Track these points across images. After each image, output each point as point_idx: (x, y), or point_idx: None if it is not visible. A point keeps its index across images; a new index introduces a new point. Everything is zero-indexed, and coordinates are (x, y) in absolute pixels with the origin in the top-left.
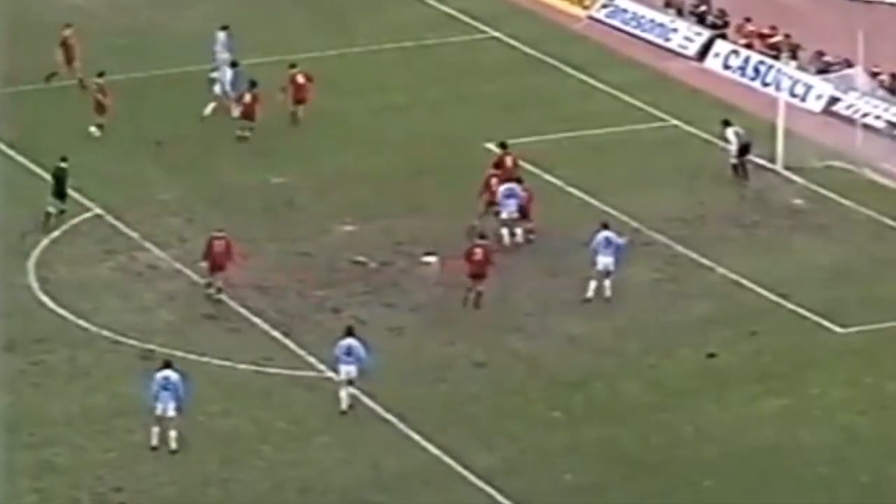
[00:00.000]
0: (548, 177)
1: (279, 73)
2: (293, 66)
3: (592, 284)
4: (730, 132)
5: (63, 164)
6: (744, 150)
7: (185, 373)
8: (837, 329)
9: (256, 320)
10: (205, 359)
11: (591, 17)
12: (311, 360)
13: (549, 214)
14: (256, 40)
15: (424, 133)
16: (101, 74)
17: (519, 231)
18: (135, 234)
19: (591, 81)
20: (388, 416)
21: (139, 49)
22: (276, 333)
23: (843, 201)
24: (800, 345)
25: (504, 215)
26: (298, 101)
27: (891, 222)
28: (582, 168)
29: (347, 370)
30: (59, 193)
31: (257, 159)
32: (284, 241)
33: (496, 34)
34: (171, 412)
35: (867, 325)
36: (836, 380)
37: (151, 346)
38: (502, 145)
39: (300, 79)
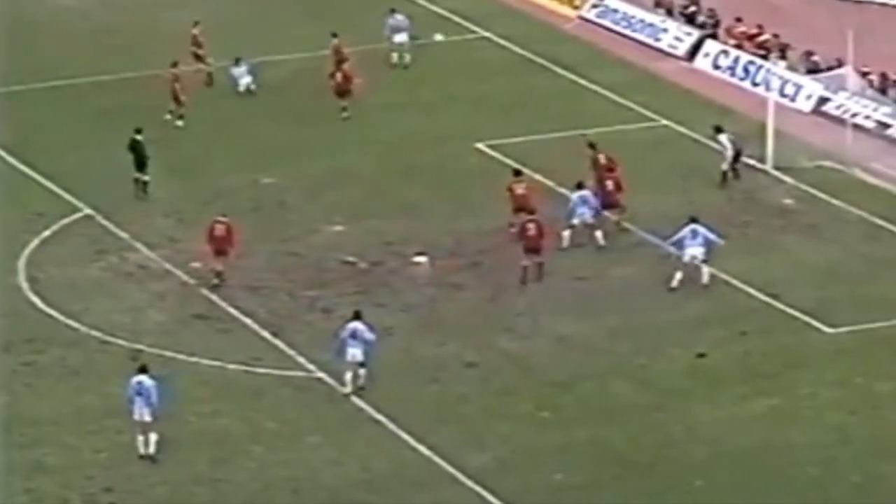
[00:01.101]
0: (539, 177)
1: (274, 71)
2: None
3: (678, 275)
4: (724, 138)
5: (138, 136)
6: (736, 156)
7: (162, 377)
8: (827, 329)
9: (247, 320)
10: (194, 359)
11: (581, 18)
12: (302, 360)
13: (539, 215)
14: (249, 40)
15: (415, 133)
16: (174, 65)
17: (599, 234)
18: (125, 235)
19: (582, 81)
20: (379, 417)
21: (131, 49)
22: (266, 333)
23: (833, 201)
24: (790, 345)
25: (575, 221)
26: (342, 93)
27: (881, 222)
28: (571, 168)
29: (353, 353)
30: (139, 164)
31: (248, 159)
32: (275, 242)
33: (487, 34)
34: (147, 417)
35: (857, 325)
36: (826, 380)
37: (141, 347)
38: (517, 173)
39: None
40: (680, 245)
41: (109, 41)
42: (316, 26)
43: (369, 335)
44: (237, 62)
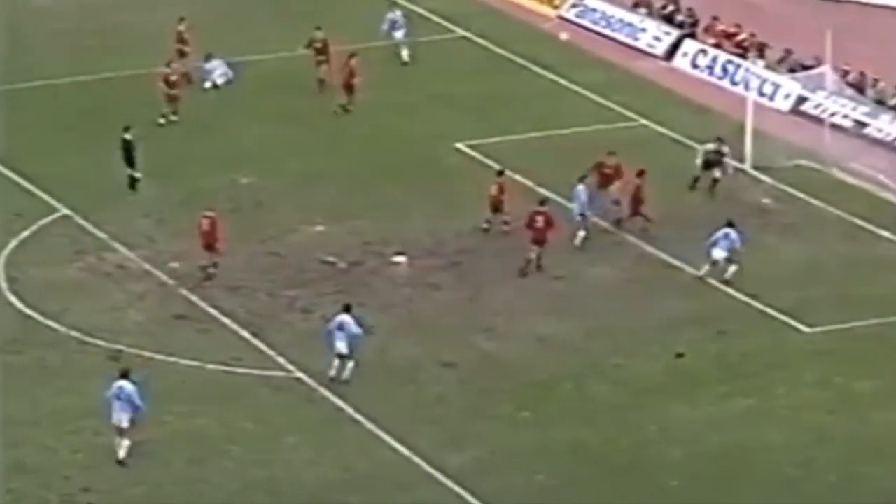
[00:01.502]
0: (518, 177)
1: (252, 71)
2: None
3: (705, 268)
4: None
5: (127, 136)
6: (708, 165)
7: (141, 382)
8: (806, 329)
9: (226, 320)
10: (173, 359)
11: (560, 17)
12: (281, 360)
13: (518, 214)
14: (224, 41)
15: (394, 133)
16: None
17: (732, 268)
18: (104, 235)
19: (561, 81)
20: (358, 417)
21: (108, 49)
22: (245, 333)
23: (812, 201)
24: (768, 344)
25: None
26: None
27: (859, 222)
28: (551, 168)
29: (338, 346)
30: (129, 161)
31: (226, 159)
32: (254, 242)
33: (466, 34)
34: (125, 423)
35: (835, 325)
36: (804, 380)
37: (120, 347)
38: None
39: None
40: (712, 245)
41: (87, 42)
42: (292, 25)
43: (355, 329)
44: (208, 58)
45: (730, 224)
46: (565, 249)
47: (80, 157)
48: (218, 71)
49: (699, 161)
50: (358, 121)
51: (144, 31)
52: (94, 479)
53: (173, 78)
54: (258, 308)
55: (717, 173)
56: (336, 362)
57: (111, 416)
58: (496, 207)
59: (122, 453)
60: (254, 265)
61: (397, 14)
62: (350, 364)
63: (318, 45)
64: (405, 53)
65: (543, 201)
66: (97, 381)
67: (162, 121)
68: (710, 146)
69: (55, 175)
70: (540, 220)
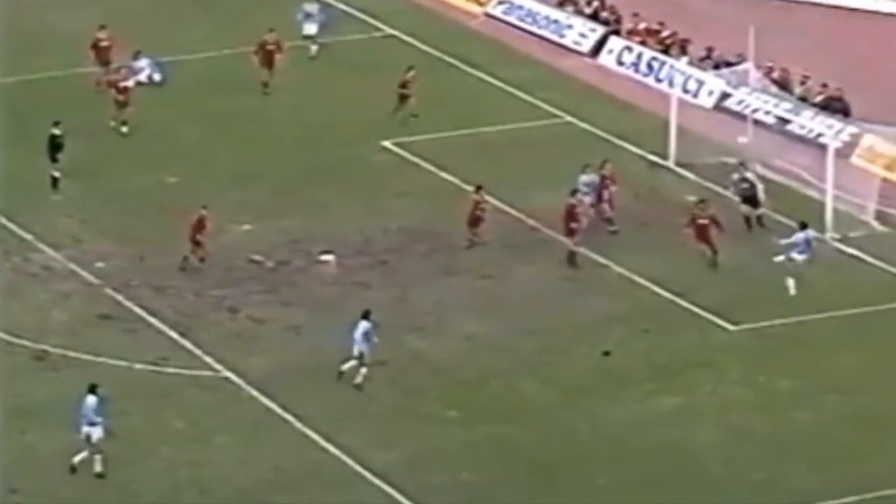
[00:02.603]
0: (444, 175)
1: (178, 71)
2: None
3: (791, 281)
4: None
5: (56, 131)
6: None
7: (105, 397)
8: (731, 327)
9: (153, 320)
10: (101, 359)
11: (487, 14)
12: (209, 359)
13: (445, 212)
14: (152, 40)
15: (321, 132)
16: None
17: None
18: (29, 236)
19: (488, 79)
20: (288, 416)
21: (33, 50)
22: (173, 333)
23: (735, 197)
24: (693, 343)
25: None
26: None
27: (781, 218)
28: (479, 166)
29: (362, 350)
30: (53, 158)
31: (153, 159)
32: (181, 242)
33: (393, 32)
34: (96, 436)
35: (759, 323)
36: (729, 378)
37: (45, 347)
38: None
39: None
40: (792, 248)
41: (11, 43)
42: (219, 25)
43: (373, 338)
44: (136, 55)
45: (804, 226)
46: (493, 248)
47: (4, 158)
48: (146, 70)
49: (736, 196)
50: (284, 119)
51: (71, 32)
52: (23, 479)
53: (123, 84)
54: (185, 308)
55: (759, 209)
56: (352, 362)
57: (81, 430)
58: (474, 222)
59: (98, 466)
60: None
61: (314, 7)
62: (364, 371)
63: (271, 47)
64: (314, 48)
65: (575, 191)
66: (24, 382)
67: (124, 129)
68: (735, 176)
69: None
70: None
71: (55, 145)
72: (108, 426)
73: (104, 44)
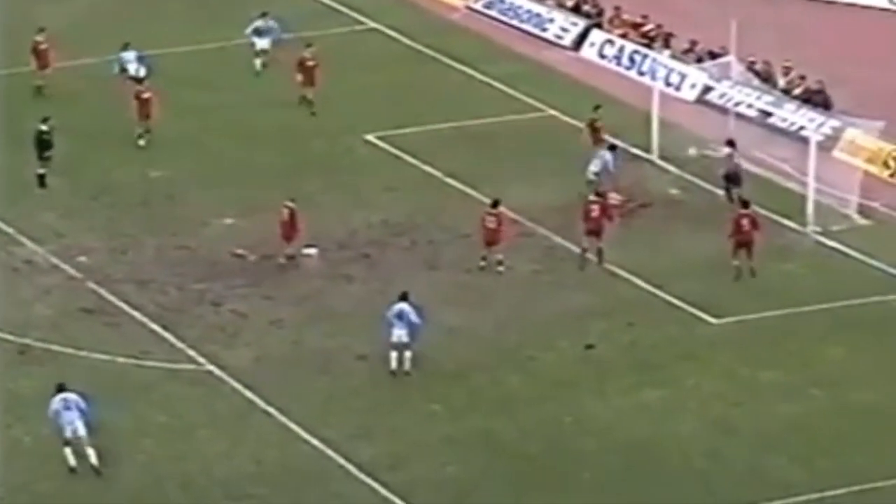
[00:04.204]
0: (427, 168)
1: (161, 64)
2: (308, 45)
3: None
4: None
5: (43, 127)
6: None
7: (84, 393)
8: (713, 320)
9: (135, 314)
10: (83, 353)
11: (469, 8)
12: (192, 353)
13: (428, 206)
14: (134, 33)
15: (304, 126)
16: (140, 81)
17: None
18: (10, 230)
19: (470, 72)
20: (270, 409)
21: (18, 44)
22: (155, 327)
23: (718, 191)
24: (676, 336)
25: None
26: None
27: (763, 211)
28: (461, 159)
29: (398, 334)
30: (40, 155)
31: (135, 153)
32: (164, 235)
33: (376, 26)
34: (81, 431)
35: (742, 316)
36: (712, 371)
37: (28, 341)
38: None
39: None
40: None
41: None
42: (202, 19)
43: (415, 318)
44: (125, 47)
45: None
46: (475, 240)
47: None
48: (133, 64)
49: (721, 171)
50: (268, 114)
51: (57, 25)
52: (3, 474)
53: (146, 95)
54: (168, 302)
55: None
56: (394, 354)
57: (65, 429)
58: (491, 241)
59: (93, 460)
60: (163, 259)
61: (270, 22)
62: (408, 354)
63: (311, 62)
64: (258, 62)
65: (599, 192)
66: (6, 376)
67: (141, 142)
68: (724, 151)
69: None
70: (595, 210)
71: (42, 142)
72: (93, 420)
73: (42, 47)
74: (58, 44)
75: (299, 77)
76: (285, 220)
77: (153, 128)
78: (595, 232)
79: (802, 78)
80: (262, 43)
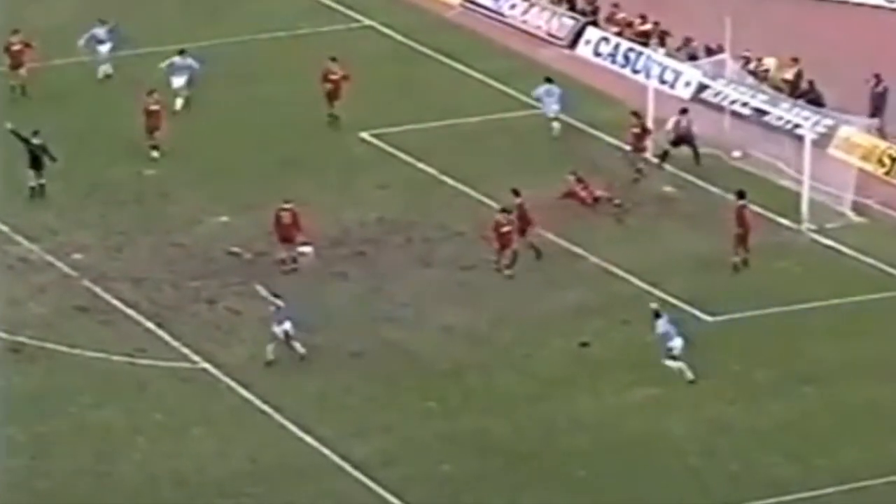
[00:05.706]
0: (422, 165)
1: (149, 64)
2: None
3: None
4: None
5: (35, 141)
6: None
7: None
8: (707, 318)
9: (130, 312)
10: (77, 351)
11: (463, 5)
12: (186, 351)
13: (423, 203)
14: (128, 32)
15: (298, 123)
16: (150, 92)
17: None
18: (5, 228)
19: (465, 70)
20: (265, 407)
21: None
22: (150, 325)
23: (713, 189)
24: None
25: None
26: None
27: (759, 209)
28: (456, 156)
29: (677, 343)
30: (36, 167)
31: (129, 152)
32: (158, 233)
33: (370, 23)
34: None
35: (736, 314)
36: (705, 369)
37: (22, 339)
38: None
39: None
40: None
41: None
42: (194, 17)
43: (680, 330)
44: (109, 30)
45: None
46: (469, 238)
47: None
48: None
49: (672, 135)
50: (262, 112)
51: (49, 24)
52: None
53: (153, 108)
54: (163, 299)
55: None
56: (675, 364)
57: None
58: (504, 244)
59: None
60: (158, 256)
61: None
62: (673, 364)
63: (336, 76)
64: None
65: (504, 209)
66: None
67: (155, 154)
68: (674, 119)
69: None
70: (506, 227)
71: (35, 155)
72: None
73: (16, 48)
74: (51, 43)
75: (326, 88)
76: (287, 223)
77: (160, 139)
78: (505, 245)
79: (799, 76)
80: (178, 82)
